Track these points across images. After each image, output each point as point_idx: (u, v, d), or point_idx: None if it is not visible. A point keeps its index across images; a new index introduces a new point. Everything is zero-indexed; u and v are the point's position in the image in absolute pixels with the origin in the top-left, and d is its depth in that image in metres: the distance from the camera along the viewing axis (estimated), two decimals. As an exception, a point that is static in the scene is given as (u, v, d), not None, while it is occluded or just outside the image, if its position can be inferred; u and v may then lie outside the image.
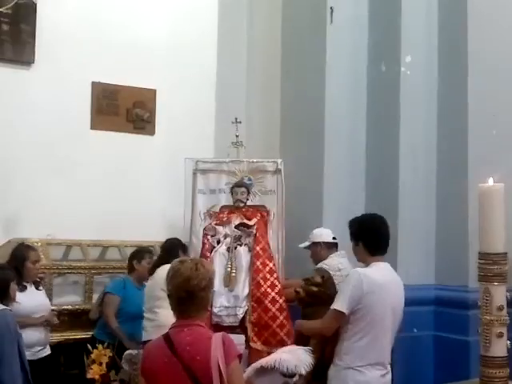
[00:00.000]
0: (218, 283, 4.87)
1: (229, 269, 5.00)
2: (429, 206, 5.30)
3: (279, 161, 5.57)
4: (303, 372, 2.90)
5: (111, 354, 4.55)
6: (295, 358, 2.92)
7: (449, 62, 5.32)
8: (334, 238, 4.61)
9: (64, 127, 5.75)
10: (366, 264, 3.30)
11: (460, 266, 4.99)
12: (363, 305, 3.15)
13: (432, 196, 5.31)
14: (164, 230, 5.82)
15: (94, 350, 4.54)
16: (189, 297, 2.43)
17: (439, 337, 5.12)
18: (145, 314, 4.49)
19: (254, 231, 5.15)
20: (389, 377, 3.32)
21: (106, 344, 4.61)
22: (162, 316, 3.61)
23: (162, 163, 6.09)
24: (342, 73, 5.51)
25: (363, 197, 5.55)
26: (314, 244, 4.60)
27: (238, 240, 5.13)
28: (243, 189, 5.28)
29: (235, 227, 5.17)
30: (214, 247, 5.16)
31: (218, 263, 5.00)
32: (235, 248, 5.09)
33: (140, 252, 5.07)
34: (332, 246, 4.61)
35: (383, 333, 3.21)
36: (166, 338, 2.47)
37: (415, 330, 5.13)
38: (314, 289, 3.65)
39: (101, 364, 4.48)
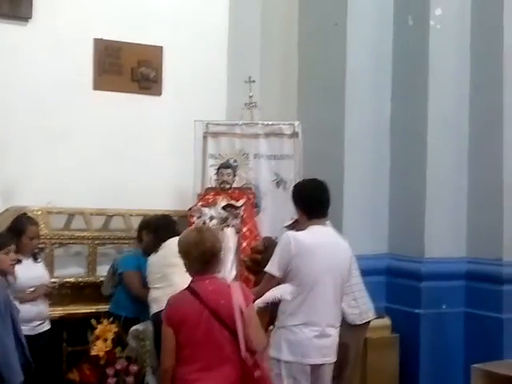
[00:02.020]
0: None
1: None
2: (459, 176, 5.32)
3: (296, 123, 5.52)
4: (288, 298, 3.26)
5: (117, 330, 4.51)
6: (279, 290, 3.31)
7: (483, 15, 5.23)
8: None
9: (64, 88, 5.63)
10: (304, 228, 3.42)
11: (494, 237, 5.04)
12: (292, 266, 3.30)
13: (463, 167, 5.33)
14: (172, 198, 5.82)
15: (99, 326, 4.55)
16: (214, 258, 2.93)
17: (470, 314, 5.16)
18: (153, 285, 4.44)
19: (242, 212, 5.22)
20: (329, 340, 3.36)
21: (111, 319, 4.58)
22: (177, 282, 3.63)
23: (170, 126, 6.02)
24: (365, 28, 5.44)
25: (387, 164, 5.60)
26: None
27: (224, 221, 5.21)
28: (229, 170, 5.32)
29: (222, 208, 5.25)
30: None
31: None
32: (222, 230, 5.14)
33: (150, 222, 4.94)
34: None
35: (319, 294, 3.30)
36: (190, 289, 2.88)
37: (444, 307, 5.21)
38: (258, 256, 3.97)
39: (106, 340, 4.52)
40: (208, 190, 5.46)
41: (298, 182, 3.89)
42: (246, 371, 2.84)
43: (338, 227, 4.06)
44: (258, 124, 5.59)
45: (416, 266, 5.29)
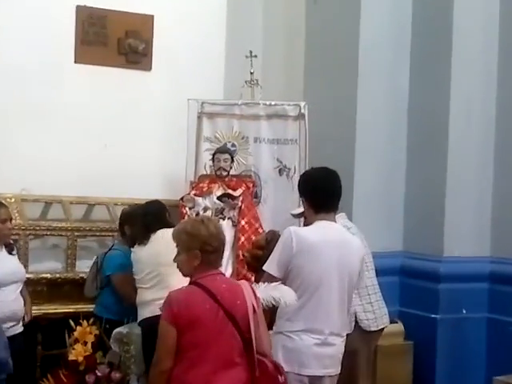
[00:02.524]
0: None
1: None
2: (484, 167, 5.32)
3: (302, 104, 5.49)
4: (291, 302, 3.20)
5: (98, 332, 4.51)
6: (283, 293, 3.22)
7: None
8: None
9: (41, 61, 5.63)
10: (311, 222, 3.41)
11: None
12: (293, 265, 3.26)
13: (488, 156, 5.33)
14: (162, 186, 5.84)
15: (78, 327, 4.52)
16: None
17: (493, 320, 5.16)
18: (142, 285, 4.40)
19: (239, 203, 5.22)
20: (331, 350, 3.32)
21: (92, 320, 4.57)
22: (175, 284, 3.54)
23: (161, 105, 6.01)
24: (381, -4, 5.43)
25: (404, 151, 5.60)
26: None
27: (220, 213, 5.21)
28: (227, 155, 5.29)
29: (217, 198, 5.24)
30: None
31: None
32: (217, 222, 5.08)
33: (132, 214, 4.91)
34: None
35: (322, 298, 3.28)
36: (201, 286, 2.90)
37: (464, 311, 5.23)
38: (259, 252, 3.80)
39: (85, 344, 4.50)
40: (202, 178, 5.45)
41: (306, 170, 3.90)
42: (254, 375, 2.91)
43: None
44: (259, 104, 5.56)
45: (434, 265, 5.30)
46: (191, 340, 2.86)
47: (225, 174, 5.30)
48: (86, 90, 5.82)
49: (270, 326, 3.38)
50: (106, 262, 4.86)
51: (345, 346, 3.44)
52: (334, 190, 3.43)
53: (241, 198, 5.24)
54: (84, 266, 5.24)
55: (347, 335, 3.47)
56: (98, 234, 5.47)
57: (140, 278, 4.43)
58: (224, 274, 3.11)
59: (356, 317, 4.07)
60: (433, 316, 5.23)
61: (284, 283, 3.28)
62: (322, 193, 3.39)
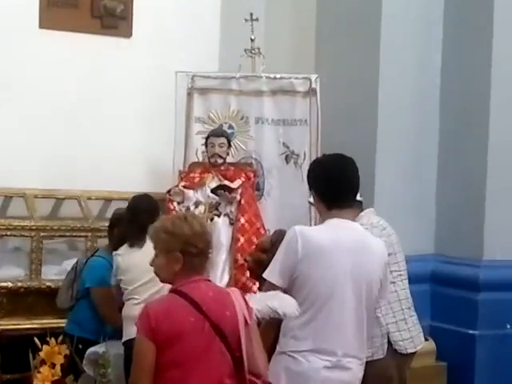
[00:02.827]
0: None
1: None
2: None
3: (313, 77, 5.49)
4: (296, 313, 3.20)
5: (68, 353, 4.44)
6: (283, 302, 3.22)
7: None
8: (360, 196, 4.50)
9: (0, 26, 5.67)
10: (323, 219, 3.40)
11: None
12: (299, 273, 3.24)
13: None
14: (145, 177, 5.86)
15: (44, 347, 4.40)
16: (208, 252, 3.03)
17: None
18: (130, 296, 4.44)
19: (238, 197, 5.23)
20: (346, 375, 3.26)
21: (61, 338, 4.46)
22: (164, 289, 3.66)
23: (143, 79, 6.02)
24: None
25: (435, 135, 5.61)
26: None
27: (215, 209, 5.24)
28: (222, 139, 5.30)
29: (212, 191, 5.26)
30: None
31: None
32: (211, 220, 5.18)
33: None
34: (356, 205, 4.61)
35: (334, 312, 3.24)
36: (182, 295, 2.90)
37: (509, 326, 5.28)
38: (263, 256, 3.77)
39: (53, 366, 4.36)
40: (193, 166, 5.46)
41: (317, 157, 3.88)
42: None
43: None
44: (261, 77, 5.55)
45: (472, 271, 5.33)
46: (172, 358, 2.87)
47: (220, 161, 5.28)
48: (53, 60, 5.83)
49: (274, 346, 3.36)
50: (87, 270, 4.87)
51: (374, 374, 3.41)
52: (350, 181, 3.39)
53: (239, 191, 5.24)
54: (51, 273, 5.24)
55: (378, 360, 3.48)
56: (67, 234, 5.46)
57: (132, 289, 4.45)
58: (210, 281, 3.10)
59: (389, 338, 4.03)
60: (470, 332, 5.25)
61: (288, 294, 3.25)
62: (335, 185, 3.35)
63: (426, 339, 5.03)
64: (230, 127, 5.55)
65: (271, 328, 3.35)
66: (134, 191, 5.43)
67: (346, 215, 3.35)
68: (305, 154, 5.46)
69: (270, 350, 3.33)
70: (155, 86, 5.85)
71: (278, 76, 5.55)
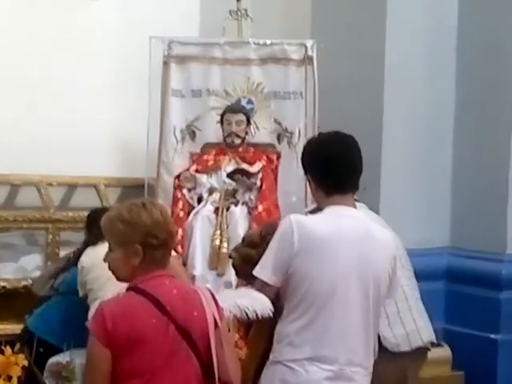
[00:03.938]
0: (200, 264, 5.07)
1: (217, 241, 5.12)
2: None
3: (310, 43, 5.48)
4: (270, 314, 3.21)
5: (27, 363, 4.40)
6: (255, 301, 3.23)
7: None
8: None
9: None
10: (321, 207, 3.38)
11: None
12: (295, 269, 3.22)
13: None
14: (116, 159, 5.85)
15: (-1, 356, 4.51)
16: (171, 243, 3.03)
17: None
18: (97, 295, 4.47)
19: (258, 182, 5.26)
20: None
21: (18, 346, 4.42)
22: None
23: (112, 45, 6.00)
24: None
25: (451, 109, 5.60)
26: None
27: (231, 196, 5.27)
28: (241, 116, 5.33)
29: (228, 176, 5.29)
30: (194, 207, 5.30)
31: (200, 232, 5.15)
32: (227, 209, 5.21)
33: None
34: None
35: (337, 314, 3.24)
36: (143, 292, 2.88)
37: None
38: (251, 252, 3.68)
39: (9, 379, 4.37)
40: (207, 147, 5.47)
41: (312, 136, 3.87)
42: None
43: (374, 208, 3.98)
44: (249, 43, 5.54)
45: (493, 266, 5.32)
46: (132, 367, 2.85)
47: (238, 141, 5.32)
48: (4, 22, 5.79)
49: (267, 352, 3.35)
50: (67, 278, 4.90)
51: None
52: (351, 162, 3.38)
53: (260, 176, 5.27)
54: (6, 272, 5.28)
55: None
56: (25, 226, 5.45)
57: (98, 287, 4.46)
58: (174, 276, 3.05)
59: (379, 334, 3.93)
60: (492, 336, 5.25)
61: (284, 293, 3.26)
62: (334, 167, 3.34)
63: (440, 345, 5.01)
64: (250, 102, 5.56)
65: (263, 332, 3.38)
66: (102, 176, 5.53)
67: (348, 202, 3.35)
68: (300, 133, 5.45)
69: (262, 358, 3.35)
70: (126, 54, 5.85)
71: (268, 42, 5.53)
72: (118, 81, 5.96)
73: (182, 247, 5.20)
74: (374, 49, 5.49)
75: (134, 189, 5.43)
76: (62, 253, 5.43)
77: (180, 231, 5.14)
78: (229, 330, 3.20)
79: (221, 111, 5.43)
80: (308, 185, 3.51)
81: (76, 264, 4.82)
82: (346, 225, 3.30)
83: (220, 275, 5.03)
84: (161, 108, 5.54)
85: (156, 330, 2.85)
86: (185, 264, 5.13)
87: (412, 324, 4.09)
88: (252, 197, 5.25)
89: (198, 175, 5.33)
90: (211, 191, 5.31)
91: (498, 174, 5.37)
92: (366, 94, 5.52)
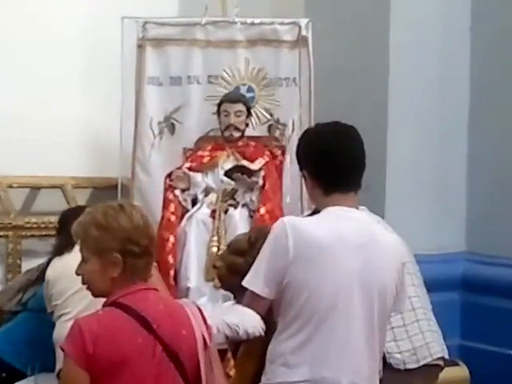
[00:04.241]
0: (194, 275, 5.02)
1: (214, 249, 5.06)
2: None
3: (304, 22, 5.45)
4: (261, 332, 3.21)
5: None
6: (245, 318, 3.22)
7: None
8: None
9: None
10: (319, 208, 3.33)
11: None
12: (290, 278, 3.17)
13: None
14: (85, 157, 5.82)
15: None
16: (153, 251, 2.98)
17: None
18: (64, 311, 4.40)
19: (260, 181, 5.22)
20: None
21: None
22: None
23: (80, 27, 5.96)
24: None
25: (466, 98, 5.58)
26: None
27: (230, 197, 5.24)
28: (240, 106, 5.30)
29: (226, 174, 5.26)
30: (187, 210, 5.26)
31: (195, 239, 5.12)
32: (226, 211, 5.19)
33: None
34: None
35: (338, 329, 3.17)
36: (126, 309, 2.82)
37: None
38: (238, 260, 3.67)
39: None
40: (203, 142, 5.46)
41: (308, 128, 3.77)
42: None
43: (379, 209, 3.96)
44: (235, 23, 5.53)
45: (515, 274, 5.15)
46: None
47: (237, 135, 5.25)
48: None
49: (258, 374, 3.28)
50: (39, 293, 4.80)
51: None
52: (353, 156, 3.29)
53: (262, 173, 5.21)
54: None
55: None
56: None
57: (63, 302, 4.35)
58: (157, 290, 3.00)
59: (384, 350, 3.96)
60: (513, 353, 5.10)
61: (277, 307, 3.20)
62: (334, 161, 3.25)
63: (456, 363, 5.00)
64: (250, 90, 5.51)
65: (253, 352, 3.35)
66: (69, 176, 5.48)
67: (349, 202, 3.27)
68: (293, 124, 5.42)
69: (253, 380, 3.34)
70: (96, 36, 5.83)
71: (256, 21, 5.53)
72: (86, 68, 5.96)
73: (174, 257, 5.10)
74: (378, 28, 5.48)
75: (105, 190, 5.41)
76: (25, 264, 5.38)
77: (171, 238, 5.11)
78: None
79: (215, 100, 5.37)
80: (304, 183, 3.42)
81: None
82: (347, 228, 3.24)
83: (218, 287, 4.76)
84: (135, 98, 5.51)
85: (142, 351, 2.80)
86: (176, 275, 5.07)
87: (420, 338, 4.07)
88: (253, 198, 5.22)
89: (191, 174, 5.27)
90: (207, 192, 5.27)
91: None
92: (369, 80, 5.50)
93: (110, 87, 5.51)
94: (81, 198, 5.71)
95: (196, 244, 5.10)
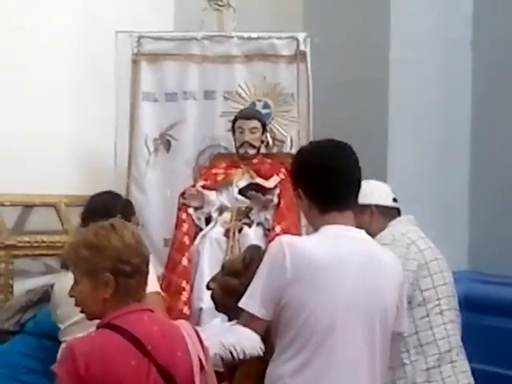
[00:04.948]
0: (208, 295, 5.18)
1: None
2: None
3: (302, 36, 5.47)
4: (260, 352, 3.20)
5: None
6: (243, 338, 3.21)
7: None
8: (394, 200, 4.57)
9: None
10: (315, 228, 3.32)
11: None
12: (289, 299, 3.15)
13: None
14: (79, 174, 5.85)
15: None
16: (146, 270, 2.98)
17: None
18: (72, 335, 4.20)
19: (276, 199, 5.24)
20: None
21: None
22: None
23: (72, 42, 5.96)
24: None
25: (468, 112, 5.59)
26: (361, 209, 4.35)
27: (245, 216, 5.26)
28: (255, 123, 5.31)
29: (240, 192, 5.29)
30: (201, 229, 5.27)
31: (208, 258, 5.11)
32: (240, 230, 5.20)
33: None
34: (390, 213, 4.56)
35: (339, 351, 3.15)
36: (120, 330, 2.82)
37: None
38: (233, 281, 3.73)
39: None
40: (216, 159, 5.46)
41: (303, 146, 3.76)
42: None
43: None
44: (232, 37, 5.54)
45: (520, 294, 5.16)
46: None
47: (252, 152, 5.26)
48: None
49: None
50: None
51: None
52: (349, 174, 3.28)
53: (277, 191, 5.22)
54: None
55: None
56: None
57: (67, 327, 4.21)
58: (152, 310, 2.97)
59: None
60: (524, 377, 5.15)
61: (275, 328, 3.18)
62: (328, 180, 3.25)
63: None
64: (266, 106, 5.51)
65: (251, 375, 3.36)
66: (63, 194, 5.48)
67: (346, 220, 3.26)
68: (292, 141, 5.42)
69: None
70: (89, 51, 5.82)
71: (254, 35, 5.53)
72: (80, 83, 5.93)
73: (187, 280, 5.09)
74: (377, 42, 5.50)
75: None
76: (17, 284, 5.38)
77: (184, 260, 5.12)
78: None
79: (231, 117, 5.38)
80: (300, 203, 3.36)
81: None
82: (346, 247, 3.23)
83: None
84: (130, 114, 5.53)
85: (136, 374, 2.79)
86: (188, 301, 5.09)
87: (452, 380, 4.11)
88: (268, 216, 5.23)
89: (205, 192, 5.28)
90: (221, 210, 5.28)
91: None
92: (369, 95, 5.51)
93: (104, 103, 5.54)
94: (74, 216, 5.49)
95: (209, 263, 5.08)
